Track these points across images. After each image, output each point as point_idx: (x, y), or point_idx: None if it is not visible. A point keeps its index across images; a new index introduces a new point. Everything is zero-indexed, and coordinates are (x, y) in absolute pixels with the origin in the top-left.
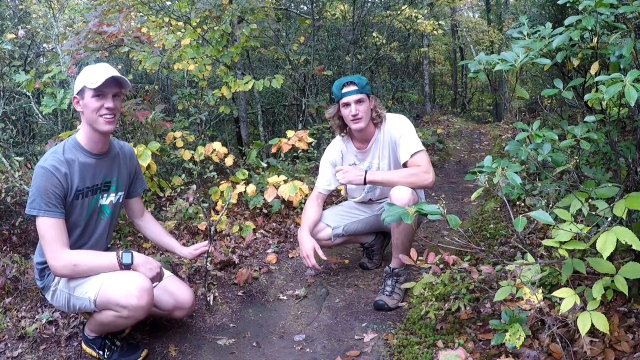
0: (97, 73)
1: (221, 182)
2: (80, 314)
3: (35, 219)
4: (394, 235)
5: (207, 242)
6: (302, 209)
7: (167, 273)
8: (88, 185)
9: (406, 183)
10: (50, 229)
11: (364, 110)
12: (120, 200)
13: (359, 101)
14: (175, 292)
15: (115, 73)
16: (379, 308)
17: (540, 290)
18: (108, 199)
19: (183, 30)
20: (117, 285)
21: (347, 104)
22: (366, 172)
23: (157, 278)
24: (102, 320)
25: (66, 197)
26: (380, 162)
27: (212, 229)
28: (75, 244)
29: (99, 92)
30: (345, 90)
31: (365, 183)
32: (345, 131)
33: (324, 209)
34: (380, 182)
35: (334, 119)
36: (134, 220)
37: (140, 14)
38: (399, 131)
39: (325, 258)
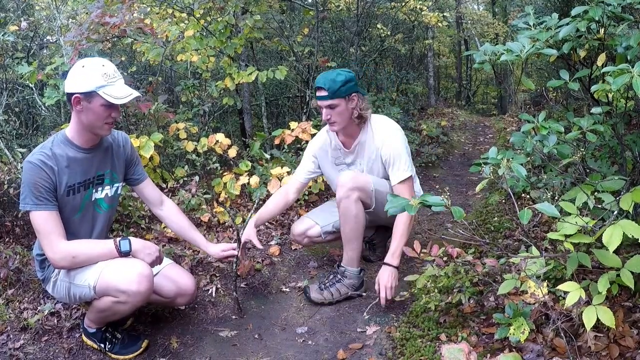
0: (119, 88)
1: (224, 174)
2: (82, 305)
3: (29, 214)
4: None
5: (235, 244)
6: (305, 200)
7: (167, 260)
8: (79, 180)
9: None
10: (44, 223)
11: (337, 114)
12: (118, 192)
13: (329, 106)
14: (177, 278)
15: (135, 93)
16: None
17: (544, 284)
18: (103, 192)
19: (186, 21)
20: (116, 271)
21: (321, 107)
22: (393, 265)
23: (157, 262)
24: (100, 307)
25: (56, 191)
26: (362, 164)
27: (239, 233)
28: (75, 239)
29: (112, 104)
30: (317, 94)
31: (398, 268)
32: None
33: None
34: (400, 254)
35: None
36: (154, 210)
37: (144, 5)
38: (391, 150)
39: (260, 247)
